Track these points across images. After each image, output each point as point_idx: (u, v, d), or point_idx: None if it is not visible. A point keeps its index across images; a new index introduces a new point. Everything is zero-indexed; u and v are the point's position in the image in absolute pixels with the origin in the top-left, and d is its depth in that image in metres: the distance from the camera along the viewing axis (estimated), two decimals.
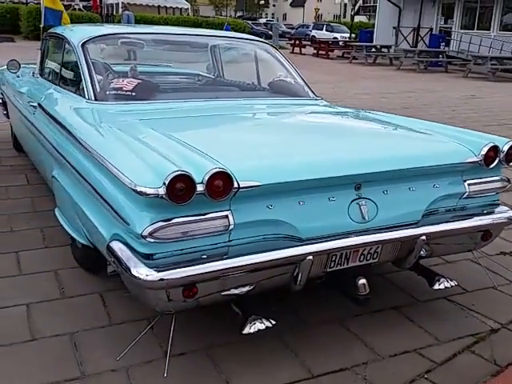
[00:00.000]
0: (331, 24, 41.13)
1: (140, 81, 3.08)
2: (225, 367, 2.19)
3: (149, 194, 1.78)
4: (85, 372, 2.14)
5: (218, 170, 1.82)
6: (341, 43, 26.87)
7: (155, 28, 4.25)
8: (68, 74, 3.62)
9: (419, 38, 22.62)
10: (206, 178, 1.81)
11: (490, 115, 9.25)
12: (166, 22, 25.79)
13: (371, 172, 2.17)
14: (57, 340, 2.34)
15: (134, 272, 1.88)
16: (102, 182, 2.15)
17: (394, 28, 24.33)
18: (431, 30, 23.45)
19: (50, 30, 4.14)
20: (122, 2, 24.59)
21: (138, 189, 1.80)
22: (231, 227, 1.94)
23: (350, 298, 2.34)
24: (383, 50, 22.10)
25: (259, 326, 2.07)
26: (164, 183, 1.76)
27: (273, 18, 73.62)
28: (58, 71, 3.74)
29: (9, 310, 2.56)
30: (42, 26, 5.40)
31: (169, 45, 3.76)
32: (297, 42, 25.45)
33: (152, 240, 1.84)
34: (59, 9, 5.51)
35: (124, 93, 3.00)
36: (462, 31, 21.86)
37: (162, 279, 1.85)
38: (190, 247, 1.93)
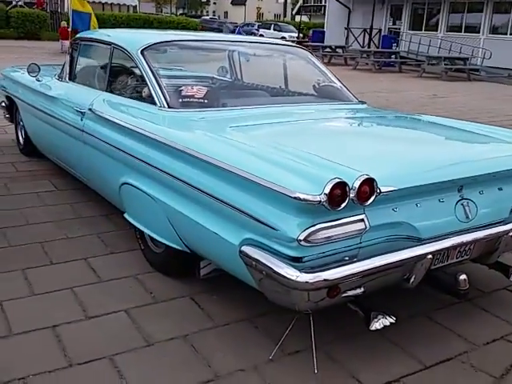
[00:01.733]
0: (279, 23, 41.63)
1: (209, 88, 3.15)
2: (347, 363, 2.33)
3: (309, 201, 1.89)
4: (217, 373, 2.22)
5: (366, 176, 1.96)
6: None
7: (209, 35, 4.27)
8: (122, 81, 3.63)
9: (370, 39, 23.35)
10: (357, 185, 1.95)
11: (460, 114, 9.77)
12: (116, 20, 25.30)
13: (474, 175, 2.38)
14: (174, 343, 2.40)
15: (285, 273, 1.98)
16: (229, 190, 2.22)
17: (346, 29, 25.02)
18: (380, 31, 24.30)
19: (82, 35, 4.09)
20: None
21: (298, 195, 1.90)
22: (365, 230, 2.09)
23: (451, 292, 2.53)
24: (337, 50, 22.68)
25: (385, 321, 2.22)
26: (324, 190, 1.88)
27: (214, 15, 73.44)
28: (103, 77, 3.72)
29: (110, 316, 2.58)
30: (70, 29, 5.28)
31: (223, 52, 3.82)
32: None
33: (305, 244, 1.95)
34: (87, 11, 5.39)
35: (197, 100, 3.05)
36: (411, 32, 22.79)
37: (315, 281, 1.96)
38: (331, 250, 2.06)
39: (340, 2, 25.84)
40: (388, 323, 2.23)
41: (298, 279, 1.97)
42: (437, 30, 22.34)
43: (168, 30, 25.42)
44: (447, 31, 22.10)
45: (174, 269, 2.96)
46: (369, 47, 22.81)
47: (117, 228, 3.62)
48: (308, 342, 2.29)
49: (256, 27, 42.32)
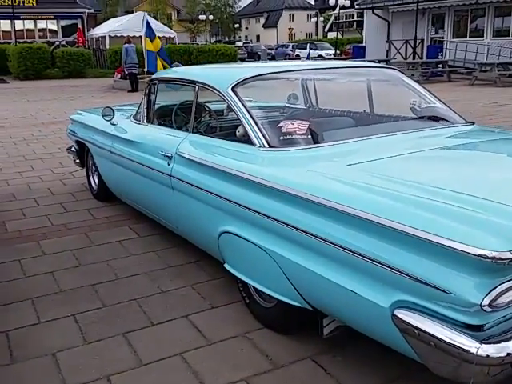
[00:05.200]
0: (314, 42, 41.56)
1: (309, 122, 2.86)
2: None
3: (499, 259, 1.57)
4: None
5: None
6: None
7: (295, 64, 4.04)
8: (209, 121, 3.42)
9: (414, 50, 22.84)
10: None
11: None
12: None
13: None
14: None
15: (461, 345, 1.66)
16: (375, 245, 1.92)
17: (387, 41, 24.60)
18: (422, 41, 23.77)
19: (160, 75, 3.92)
20: (123, 36, 24.36)
21: (483, 253, 1.58)
22: None
23: None
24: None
25: None
26: None
27: (246, 39, 74.28)
28: (187, 118, 3.52)
29: None
30: (145, 69, 5.18)
31: (313, 80, 3.57)
32: None
33: (488, 309, 1.63)
34: (155, 50, 5.31)
35: (299, 136, 2.78)
36: (456, 40, 22.18)
37: (500, 355, 1.63)
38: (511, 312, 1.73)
39: (378, 16, 25.50)
40: None
41: (480, 352, 1.64)
42: (483, 36, 21.67)
43: (210, 58, 25.72)
44: (494, 36, 21.40)
45: (288, 326, 2.68)
46: (413, 58, 22.30)
47: (210, 277, 3.36)
48: None
49: (291, 48, 42.41)
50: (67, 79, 22.72)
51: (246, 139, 2.86)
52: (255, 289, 2.78)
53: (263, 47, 48.55)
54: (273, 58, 41.34)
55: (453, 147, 2.84)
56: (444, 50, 22.14)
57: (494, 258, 1.57)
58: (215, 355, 2.54)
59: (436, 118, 3.33)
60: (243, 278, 2.74)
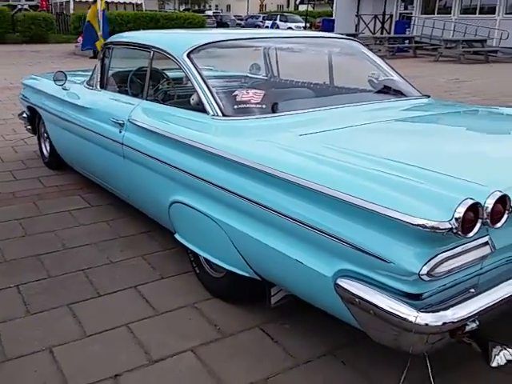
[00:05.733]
0: (284, 14, 41.07)
1: (265, 91, 2.79)
2: None
3: (437, 229, 1.55)
4: None
5: (500, 193, 1.62)
6: None
7: (254, 32, 3.90)
8: (163, 88, 3.31)
9: (382, 25, 22.83)
10: (491, 205, 1.61)
11: (491, 99, 9.37)
12: (122, 20, 24.94)
13: None
14: None
15: (400, 314, 1.66)
16: (319, 214, 1.88)
17: (357, 16, 24.49)
18: (391, 16, 23.76)
19: (115, 39, 3.75)
20: (88, 1, 23.46)
21: (422, 223, 1.56)
22: (490, 254, 1.75)
23: None
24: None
25: (507, 355, 1.88)
26: (455, 214, 1.55)
27: (217, 9, 72.79)
28: (141, 84, 3.39)
29: (177, 358, 2.26)
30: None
31: (272, 50, 3.48)
32: None
33: (427, 278, 1.62)
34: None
35: (254, 106, 2.71)
36: (424, 16, 22.22)
37: (438, 323, 1.63)
38: (451, 281, 1.73)
39: None
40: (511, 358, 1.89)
41: (418, 321, 1.64)
42: (450, 13, 21.76)
43: (176, 26, 25.10)
44: (461, 13, 21.51)
45: (237, 296, 2.65)
46: (381, 33, 22.31)
47: (162, 247, 3.30)
48: None
49: (261, 19, 41.81)
50: (28, 44, 21.90)
51: (200, 108, 2.76)
52: (205, 259, 2.74)
53: (233, 17, 47.72)
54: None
55: (406, 119, 2.81)
56: (412, 25, 22.17)
57: (432, 227, 1.55)
58: (162, 326, 2.49)
59: (393, 91, 3.31)
60: (193, 248, 2.69)
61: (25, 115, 5.25)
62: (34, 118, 5.07)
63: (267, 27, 37.31)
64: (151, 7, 50.53)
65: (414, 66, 15.68)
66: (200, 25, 28.11)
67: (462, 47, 17.14)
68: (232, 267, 2.44)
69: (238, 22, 44.25)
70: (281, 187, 2.05)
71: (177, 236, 2.82)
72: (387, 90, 3.31)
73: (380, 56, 3.65)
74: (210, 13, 54.43)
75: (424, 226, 1.56)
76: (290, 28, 35.22)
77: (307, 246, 1.97)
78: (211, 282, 2.74)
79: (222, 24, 40.90)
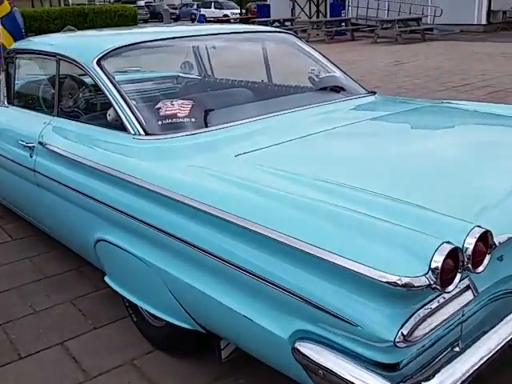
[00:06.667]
0: (219, 1, 40.27)
1: (193, 101, 2.40)
2: None
3: (413, 286, 1.23)
4: None
5: (481, 230, 1.31)
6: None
7: (173, 29, 3.43)
8: (76, 101, 2.85)
9: (317, 8, 22.67)
10: (471, 246, 1.30)
11: (432, 80, 9.30)
12: (49, 16, 23.70)
13: None
14: None
15: None
16: (268, 262, 1.53)
17: (291, 0, 24.19)
18: None
19: (18, 46, 3.26)
20: None
21: (394, 280, 1.23)
22: (472, 300, 1.45)
23: None
24: (286, 23, 21.87)
25: None
26: (431, 265, 1.23)
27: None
28: (50, 98, 2.94)
29: None
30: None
31: (198, 49, 3.08)
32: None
33: (403, 345, 1.30)
34: None
35: (181, 120, 2.31)
36: None
37: None
38: (431, 340, 1.42)
39: None
40: None
41: None
42: None
43: (107, 20, 24.10)
44: None
45: (182, 348, 2.27)
46: (317, 17, 22.15)
47: (93, 287, 2.87)
48: None
49: (195, 7, 40.77)
50: None
51: (118, 125, 2.35)
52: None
53: (166, 7, 46.38)
54: (178, 19, 39.69)
55: (356, 126, 2.44)
56: (346, 7, 22.08)
57: (405, 285, 1.23)
58: None
59: (336, 89, 2.98)
60: (126, 294, 2.28)
61: None
62: None
63: (203, 15, 36.44)
64: (80, 0, 48.54)
65: (353, 50, 15.59)
66: (132, 17, 27.14)
67: (399, 27, 17.11)
68: (171, 318, 2.05)
69: (172, 11, 42.99)
70: (218, 227, 1.69)
71: (107, 279, 2.40)
72: (330, 89, 2.98)
73: (319, 41, 3.34)
74: (141, 3, 52.69)
75: (396, 284, 1.23)
76: (225, 16, 34.63)
77: (256, 299, 1.61)
78: (151, 331, 2.35)
79: (155, 14, 39.64)
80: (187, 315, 1.97)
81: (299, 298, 1.45)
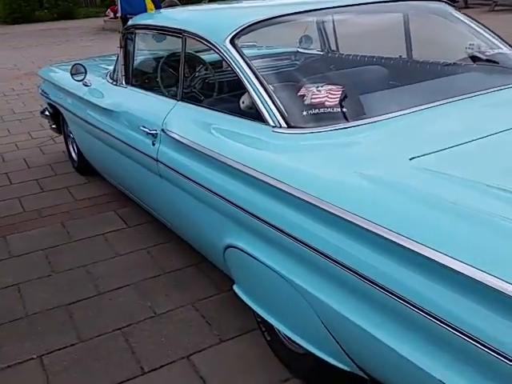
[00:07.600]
0: None
1: (343, 86, 2.00)
2: None
3: None
4: None
5: None
6: None
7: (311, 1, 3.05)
8: (202, 85, 2.57)
9: None
10: None
11: None
12: None
13: None
14: None
15: None
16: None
17: None
18: None
19: (137, 21, 3.00)
20: None
21: None
22: None
23: None
24: None
25: None
26: None
27: None
28: (174, 80, 2.68)
29: None
30: (119, 15, 4.21)
31: (342, 24, 2.68)
32: None
33: None
34: None
35: (331, 110, 1.92)
36: None
37: None
38: None
39: None
40: None
41: None
42: None
43: None
44: None
45: (326, 381, 1.93)
46: None
47: (216, 289, 2.61)
48: None
49: None
50: (57, 21, 21.30)
51: (253, 114, 2.02)
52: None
53: None
54: None
55: None
56: None
57: None
58: None
59: (508, 70, 2.46)
60: (259, 311, 1.97)
61: (47, 113, 4.62)
62: (57, 116, 4.43)
63: None
64: None
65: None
66: None
67: None
68: (320, 352, 1.71)
69: None
70: (395, 256, 1.31)
71: (236, 289, 2.11)
72: (501, 70, 2.46)
73: None
74: None
75: None
76: None
77: (452, 358, 1.23)
78: (288, 356, 2.04)
79: None
80: (341, 351, 1.63)
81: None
